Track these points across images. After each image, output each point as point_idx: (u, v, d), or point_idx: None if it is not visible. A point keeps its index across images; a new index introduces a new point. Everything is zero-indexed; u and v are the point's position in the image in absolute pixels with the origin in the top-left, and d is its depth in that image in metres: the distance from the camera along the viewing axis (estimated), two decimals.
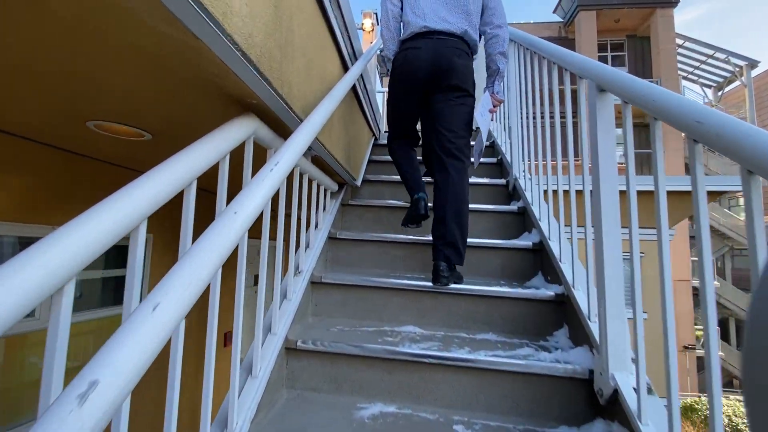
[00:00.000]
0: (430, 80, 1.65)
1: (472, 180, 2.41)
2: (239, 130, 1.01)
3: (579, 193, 1.44)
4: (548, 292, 1.53)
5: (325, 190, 2.00)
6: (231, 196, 0.79)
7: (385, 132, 3.31)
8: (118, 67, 0.94)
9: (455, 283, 1.61)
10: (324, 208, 2.00)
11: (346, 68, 1.93)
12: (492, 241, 1.88)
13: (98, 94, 1.14)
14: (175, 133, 1.51)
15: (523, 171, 2.18)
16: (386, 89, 2.43)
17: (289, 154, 0.84)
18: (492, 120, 2.36)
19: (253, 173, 1.04)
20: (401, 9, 1.76)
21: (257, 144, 1.17)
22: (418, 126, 2.02)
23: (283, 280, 1.47)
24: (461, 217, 1.60)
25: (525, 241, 1.84)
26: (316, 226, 1.87)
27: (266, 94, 1.03)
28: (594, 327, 1.23)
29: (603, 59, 14.96)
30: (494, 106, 1.90)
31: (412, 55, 1.67)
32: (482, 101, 1.91)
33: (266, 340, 1.26)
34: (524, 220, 2.09)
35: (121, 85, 1.06)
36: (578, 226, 1.44)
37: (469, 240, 1.85)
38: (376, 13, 2.70)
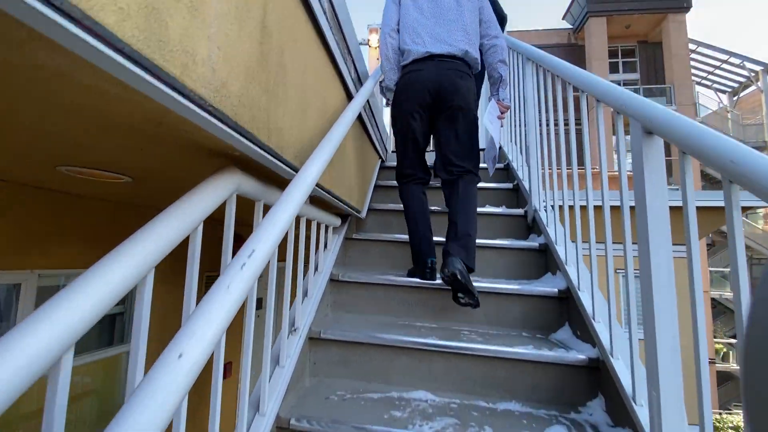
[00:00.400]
0: (434, 101, 1.62)
1: (487, 210, 2.22)
2: (216, 191, 0.84)
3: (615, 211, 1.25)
4: (579, 356, 1.32)
5: (326, 227, 1.83)
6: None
7: (393, 152, 3.13)
8: (66, 123, 0.78)
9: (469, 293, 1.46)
10: (325, 246, 1.82)
11: (349, 95, 1.76)
12: (511, 287, 1.68)
13: (57, 145, 0.98)
14: (157, 177, 1.35)
15: (544, 202, 1.98)
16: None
17: (268, 240, 0.66)
18: (501, 126, 2.19)
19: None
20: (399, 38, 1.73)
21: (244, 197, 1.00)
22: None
23: (275, 343, 1.29)
24: (471, 221, 1.59)
25: (549, 287, 1.64)
26: (316, 269, 1.69)
27: (249, 148, 0.86)
28: (642, 413, 1.03)
29: (614, 65, 14.71)
30: (501, 113, 1.83)
31: (414, 77, 1.63)
32: (489, 109, 1.81)
33: (253, 423, 1.08)
34: (546, 258, 1.89)
35: (79, 139, 0.89)
36: (615, 243, 1.25)
37: (486, 284, 1.67)
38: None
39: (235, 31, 0.75)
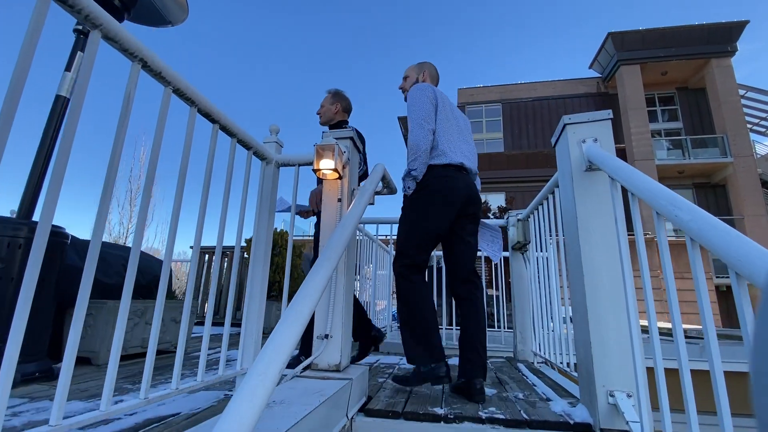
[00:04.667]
0: (463, 208, 1.66)
1: None
2: None
3: None
4: None
5: None
6: None
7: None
8: None
9: None
10: None
11: None
12: None
13: None
14: None
15: None
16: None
17: None
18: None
19: None
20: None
21: None
22: None
23: None
24: (485, 343, 1.57)
25: None
26: None
27: None
28: None
29: (652, 114, 13.60)
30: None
31: (452, 183, 1.64)
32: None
33: None
34: None
35: None
36: None
37: None
38: (351, 138, 1.48)
39: None
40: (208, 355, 2.13)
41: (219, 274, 4.66)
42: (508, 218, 2.54)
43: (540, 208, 2.07)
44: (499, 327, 3.78)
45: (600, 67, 14.64)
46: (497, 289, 5.11)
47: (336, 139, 1.39)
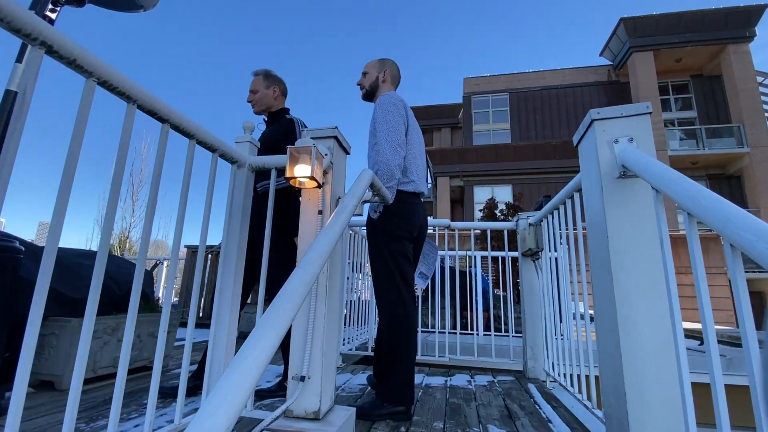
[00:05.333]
0: (418, 234, 1.73)
1: None
2: None
3: None
4: None
5: None
6: None
7: None
8: None
9: None
10: None
11: None
12: None
13: None
14: None
15: None
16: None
17: None
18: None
19: None
20: None
21: None
22: None
23: None
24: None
25: None
26: None
27: None
28: None
29: (665, 102, 13.15)
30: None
31: (415, 210, 1.70)
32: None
33: None
34: None
35: None
36: None
37: None
38: (336, 137, 1.20)
39: None
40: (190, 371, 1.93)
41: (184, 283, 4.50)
42: (518, 221, 2.30)
43: (555, 212, 1.83)
44: (506, 332, 3.53)
45: (611, 55, 14.14)
46: (504, 289, 4.88)
47: (314, 139, 1.16)
